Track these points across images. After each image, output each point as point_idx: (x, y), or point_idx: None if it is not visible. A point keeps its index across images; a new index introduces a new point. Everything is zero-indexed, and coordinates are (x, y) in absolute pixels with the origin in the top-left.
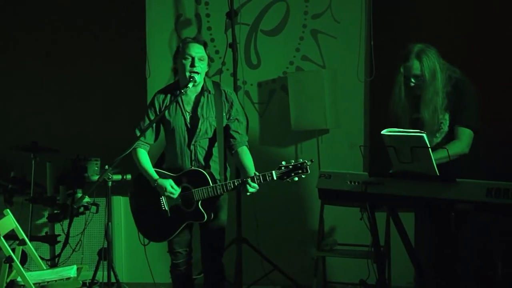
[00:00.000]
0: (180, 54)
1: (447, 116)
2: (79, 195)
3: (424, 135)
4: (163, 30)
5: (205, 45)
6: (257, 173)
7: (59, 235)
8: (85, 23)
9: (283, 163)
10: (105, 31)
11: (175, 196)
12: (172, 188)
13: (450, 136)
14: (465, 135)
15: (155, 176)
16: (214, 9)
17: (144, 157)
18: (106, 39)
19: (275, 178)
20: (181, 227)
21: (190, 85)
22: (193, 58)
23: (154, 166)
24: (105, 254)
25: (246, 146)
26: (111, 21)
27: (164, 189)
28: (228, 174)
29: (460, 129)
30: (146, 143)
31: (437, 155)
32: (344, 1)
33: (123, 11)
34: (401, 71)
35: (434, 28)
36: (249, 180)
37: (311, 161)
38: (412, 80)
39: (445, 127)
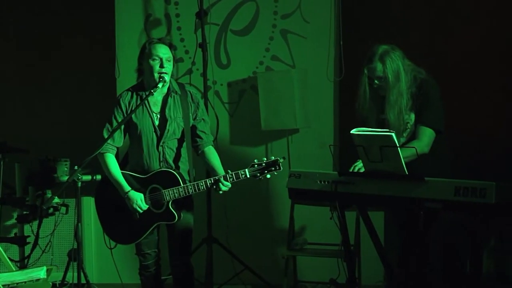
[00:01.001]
0: (146, 55)
1: (412, 116)
2: (49, 196)
3: (393, 134)
4: (132, 30)
5: (170, 46)
6: (230, 172)
7: (29, 236)
8: (54, 22)
9: (256, 161)
10: (74, 31)
11: (142, 210)
12: (141, 202)
13: (415, 136)
14: (426, 135)
15: (127, 188)
16: (183, 9)
17: (113, 164)
18: (75, 39)
19: (248, 176)
20: (151, 229)
21: (160, 85)
22: (161, 59)
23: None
24: (75, 255)
25: (212, 145)
26: (80, 21)
27: (133, 201)
28: (193, 175)
29: (421, 128)
30: (114, 146)
31: (404, 153)
32: (313, 1)
33: (92, 11)
34: (365, 72)
35: (403, 28)
36: (222, 179)
37: (284, 158)
38: (376, 82)
39: (412, 127)
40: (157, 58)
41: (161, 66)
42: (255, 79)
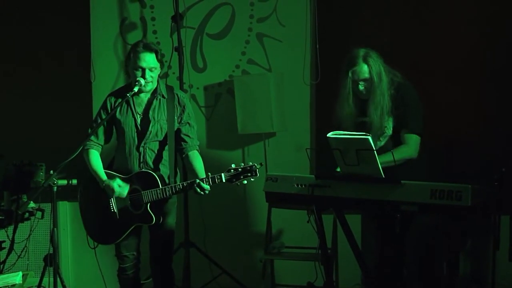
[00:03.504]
0: (131, 62)
1: (390, 120)
2: (24, 200)
3: (369, 137)
4: (108, 34)
5: (156, 52)
6: (206, 175)
7: (4, 241)
8: (28, 28)
9: (233, 165)
10: (49, 35)
11: (124, 195)
12: (120, 187)
13: (394, 140)
14: (413, 140)
15: (104, 177)
16: (159, 12)
17: (95, 158)
18: (50, 43)
19: (224, 180)
20: (130, 230)
21: (136, 89)
22: (143, 70)
23: (106, 168)
24: (51, 260)
25: (197, 150)
26: (55, 25)
27: (112, 190)
28: (178, 179)
29: (408, 135)
30: (98, 144)
31: (382, 159)
32: (289, 5)
33: (67, 15)
34: (350, 75)
35: (379, 32)
36: (200, 182)
37: (261, 164)
38: (361, 83)
39: (389, 131)
40: (139, 69)
41: (143, 76)
42: (232, 83)
